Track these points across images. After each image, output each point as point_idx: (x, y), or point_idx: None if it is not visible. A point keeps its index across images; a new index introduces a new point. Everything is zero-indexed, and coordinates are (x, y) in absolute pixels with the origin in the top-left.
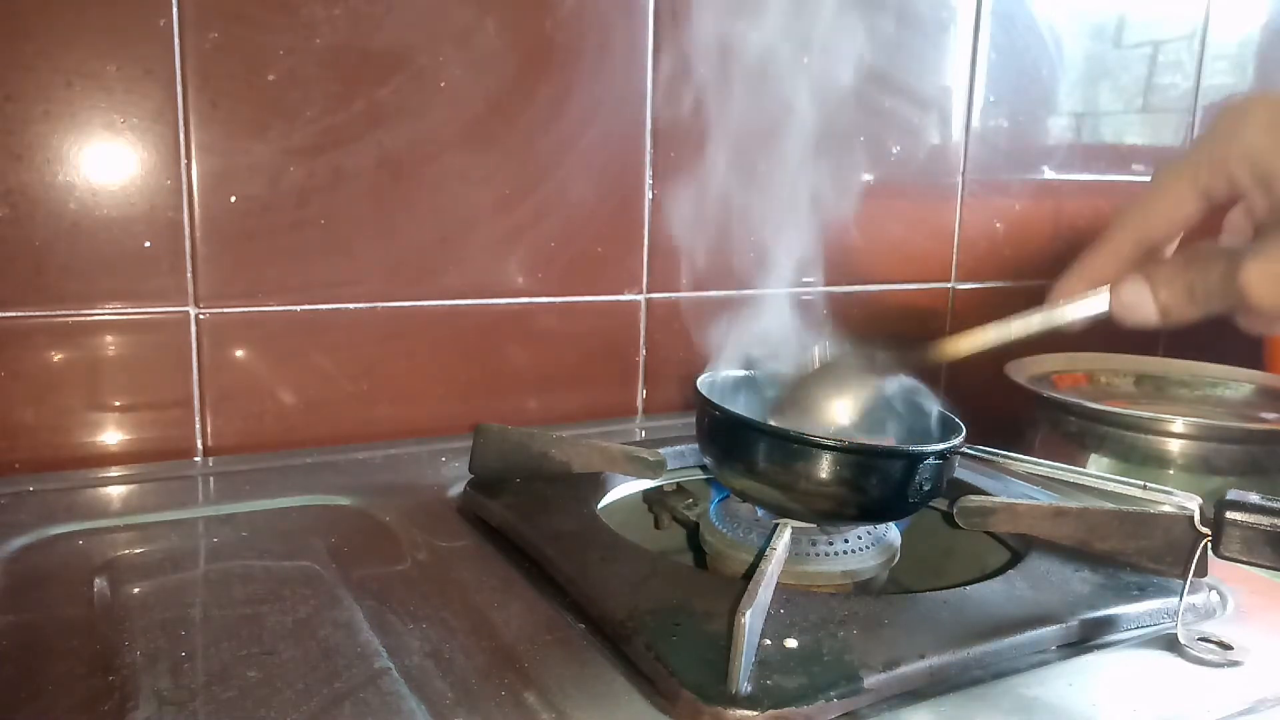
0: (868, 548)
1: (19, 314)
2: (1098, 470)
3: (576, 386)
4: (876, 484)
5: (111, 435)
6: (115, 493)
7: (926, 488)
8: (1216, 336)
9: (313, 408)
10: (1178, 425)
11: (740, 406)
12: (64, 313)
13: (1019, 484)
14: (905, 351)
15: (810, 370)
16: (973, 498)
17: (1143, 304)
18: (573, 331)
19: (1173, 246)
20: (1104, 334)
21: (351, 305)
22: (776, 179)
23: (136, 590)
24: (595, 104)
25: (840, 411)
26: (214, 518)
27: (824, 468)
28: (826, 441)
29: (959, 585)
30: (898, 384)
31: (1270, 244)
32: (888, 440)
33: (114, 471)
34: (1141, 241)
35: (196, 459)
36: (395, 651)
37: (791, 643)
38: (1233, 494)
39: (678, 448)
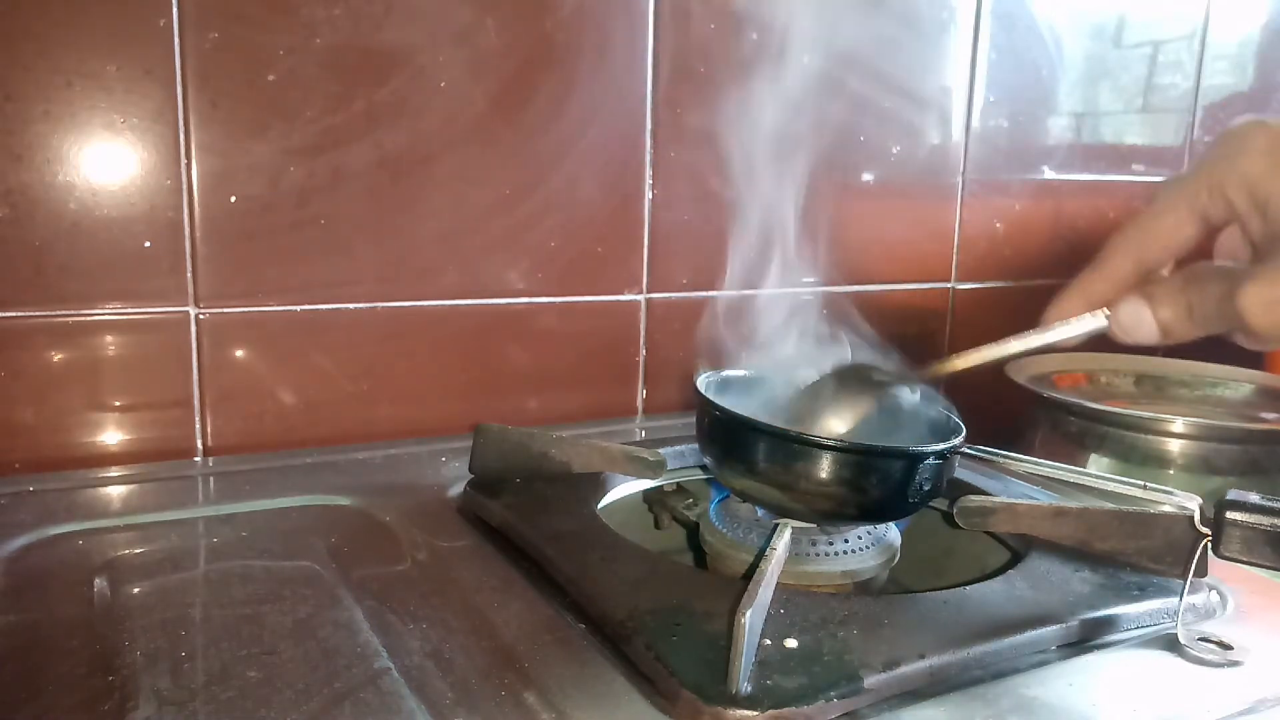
0: (868, 548)
1: (19, 314)
2: (1098, 470)
3: (576, 386)
4: (876, 484)
5: (111, 435)
6: (115, 493)
7: (926, 488)
8: (1216, 337)
9: (313, 408)
10: (1178, 425)
11: (741, 406)
12: (64, 313)
13: (1019, 484)
14: (906, 365)
15: (814, 382)
16: (973, 498)
17: (1142, 324)
18: (573, 331)
19: (1170, 267)
20: (1104, 334)
21: (351, 305)
22: (776, 179)
23: (136, 590)
24: (595, 104)
25: (843, 422)
26: (214, 518)
27: (824, 468)
28: (826, 441)
29: (959, 585)
30: (899, 393)
31: (1267, 268)
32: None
33: (114, 471)
34: (1140, 262)
35: (196, 459)
36: (395, 651)
37: (791, 643)
38: (1233, 494)
39: (678, 448)
